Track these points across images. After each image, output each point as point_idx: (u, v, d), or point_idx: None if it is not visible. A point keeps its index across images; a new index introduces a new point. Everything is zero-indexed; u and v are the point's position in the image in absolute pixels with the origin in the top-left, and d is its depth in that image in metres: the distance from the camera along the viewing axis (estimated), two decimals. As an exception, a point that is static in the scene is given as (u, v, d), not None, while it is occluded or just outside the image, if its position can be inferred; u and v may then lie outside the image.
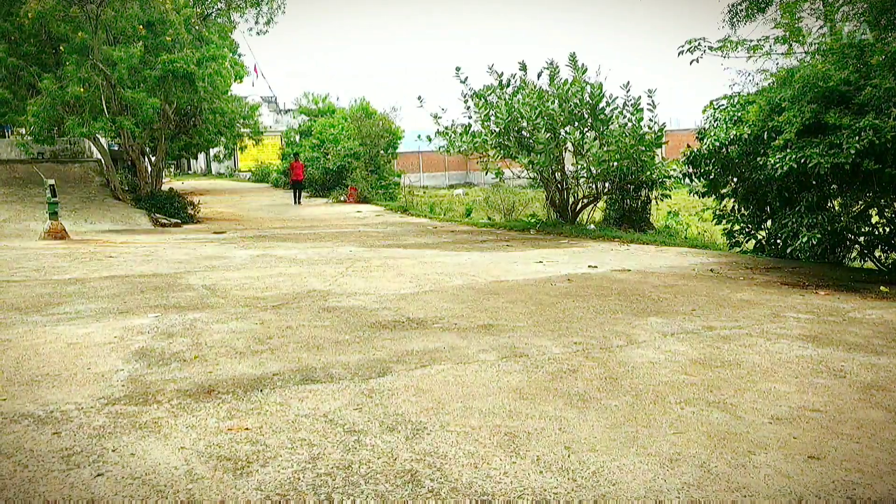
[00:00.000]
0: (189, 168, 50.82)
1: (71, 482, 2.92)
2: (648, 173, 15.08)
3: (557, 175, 16.37)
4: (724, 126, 10.03)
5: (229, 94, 23.21)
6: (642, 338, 5.53)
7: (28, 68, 18.17)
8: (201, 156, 44.09)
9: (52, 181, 14.56)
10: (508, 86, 16.06)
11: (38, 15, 16.66)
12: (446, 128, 16.64)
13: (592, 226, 15.89)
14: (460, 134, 16.39)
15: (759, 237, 11.31)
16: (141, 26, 17.77)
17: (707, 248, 12.55)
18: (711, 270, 9.42)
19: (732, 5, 12.55)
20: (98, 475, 2.99)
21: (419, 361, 4.76)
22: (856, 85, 8.56)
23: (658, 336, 5.59)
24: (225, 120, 23.18)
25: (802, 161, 8.52)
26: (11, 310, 6.45)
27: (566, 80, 15.43)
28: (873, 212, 9.79)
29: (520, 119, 15.21)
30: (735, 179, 10.85)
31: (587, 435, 3.50)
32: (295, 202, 26.75)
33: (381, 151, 30.22)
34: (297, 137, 38.68)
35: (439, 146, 17.33)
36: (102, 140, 20.98)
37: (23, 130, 21.09)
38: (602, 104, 15.22)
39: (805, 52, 9.66)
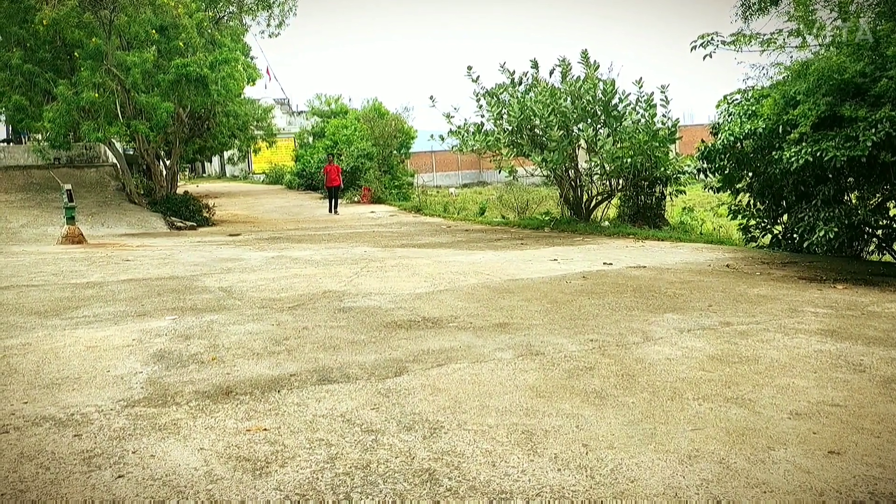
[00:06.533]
0: (203, 171, 51.07)
1: (92, 484, 2.95)
2: (662, 169, 15.03)
3: (571, 172, 16.33)
4: (739, 120, 9.96)
5: (242, 96, 23.33)
6: (659, 334, 5.50)
7: (43, 74, 18.34)
8: (215, 159, 44.29)
9: (68, 186, 14.68)
10: (521, 84, 16.05)
11: (53, 21, 16.81)
12: (459, 127, 16.64)
13: (607, 223, 15.85)
14: (473, 133, 16.39)
15: (776, 232, 11.24)
16: (154, 31, 17.89)
17: (722, 244, 12.49)
18: (727, 266, 9.36)
19: (745, -2, 12.46)
20: (119, 476, 3.01)
21: (435, 360, 4.76)
22: (871, 77, 8.48)
23: (674, 332, 5.56)
24: (238, 122, 23.31)
25: (818, 154, 8.45)
26: (31, 314, 6.52)
27: (578, 77, 15.40)
28: (891, 204, 9.71)
29: (532, 117, 15.19)
30: (750, 174, 10.78)
31: (605, 432, 3.49)
32: (331, 210, 23.73)
33: (394, 151, 30.29)
34: (311, 139, 38.80)
35: (452, 145, 17.35)
36: (117, 144, 21.16)
37: (39, 136, 21.31)
38: (615, 101, 15.18)
39: (819, 45, 9.57)
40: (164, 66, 18.17)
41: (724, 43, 10.18)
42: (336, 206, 23.97)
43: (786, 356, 4.86)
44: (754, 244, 11.64)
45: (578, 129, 15.37)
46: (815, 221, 9.26)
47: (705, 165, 10.92)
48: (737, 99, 10.68)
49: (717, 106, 11.05)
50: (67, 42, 18.08)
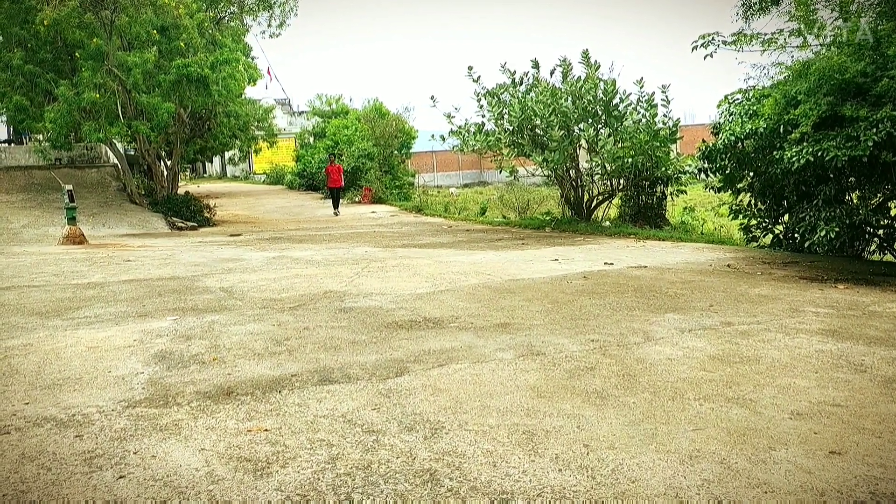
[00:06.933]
0: (204, 171, 51.12)
1: (93, 484, 2.95)
2: (663, 169, 15.01)
3: (572, 172, 16.33)
4: (740, 120, 9.96)
5: (243, 97, 23.32)
6: (660, 334, 5.50)
7: (45, 75, 18.35)
8: (216, 159, 44.33)
9: (69, 186, 14.70)
10: (521, 84, 16.04)
11: (54, 22, 16.81)
12: (459, 127, 16.64)
13: (608, 223, 15.84)
14: (473, 133, 16.39)
15: (777, 232, 11.23)
16: (155, 31, 17.90)
17: (724, 244, 12.48)
18: (728, 266, 9.36)
19: (746, -2, 12.42)
20: (120, 477, 3.01)
21: (436, 361, 4.76)
22: (872, 76, 8.47)
23: (675, 332, 5.56)
24: (239, 123, 23.31)
25: (819, 154, 8.44)
26: (32, 314, 6.52)
27: (579, 77, 15.40)
28: (892, 204, 9.69)
29: (533, 117, 15.19)
30: (751, 174, 10.77)
31: (606, 432, 3.49)
32: (335, 212, 23.18)
33: (395, 152, 30.30)
34: (311, 139, 38.81)
35: (453, 145, 17.35)
36: (119, 145, 21.16)
37: (40, 137, 21.31)
38: (616, 100, 15.17)
39: (820, 45, 9.56)
40: (165, 67, 18.18)
41: (725, 43, 10.17)
42: (336, 206, 23.61)
43: (787, 356, 4.86)
44: (755, 244, 11.63)
45: (579, 128, 15.36)
46: (816, 221, 9.25)
47: (706, 165, 10.92)
48: (738, 99, 10.67)
49: (718, 106, 11.05)
50: (68, 42, 18.10)
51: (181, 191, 23.20)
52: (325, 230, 17.26)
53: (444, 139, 17.42)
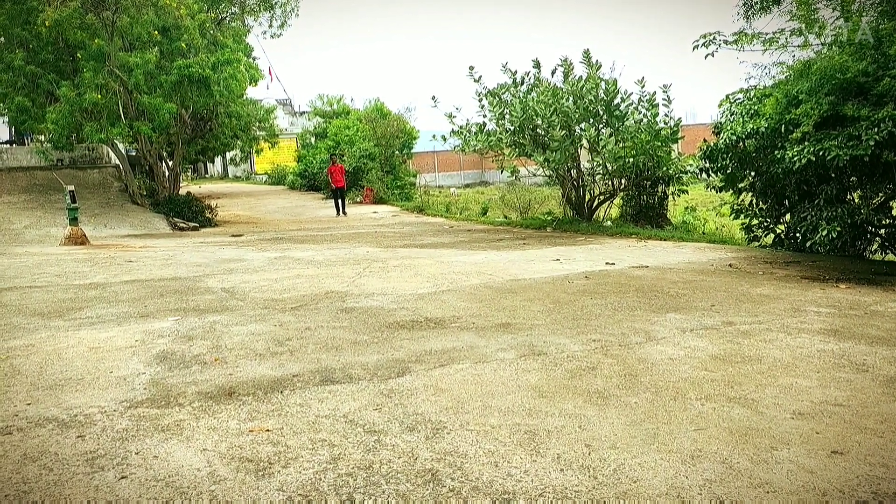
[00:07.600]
0: (206, 172, 51.09)
1: (95, 485, 2.95)
2: (665, 169, 15.00)
3: (573, 172, 16.32)
4: (741, 120, 9.95)
5: (244, 97, 23.31)
6: (661, 334, 5.50)
7: (46, 76, 18.37)
8: (218, 159, 44.32)
9: (71, 187, 14.72)
10: (522, 84, 16.04)
11: (55, 23, 16.82)
12: (461, 127, 16.64)
13: (609, 223, 15.83)
14: (475, 133, 16.39)
15: (778, 231, 11.22)
16: (156, 32, 17.91)
17: (725, 244, 12.47)
18: (730, 265, 9.36)
19: (747, -3, 12.39)
20: (122, 477, 3.02)
21: (438, 361, 4.76)
22: (874, 76, 8.47)
23: (677, 332, 5.56)
24: (241, 123, 23.30)
25: (821, 154, 8.43)
26: (34, 315, 6.53)
27: (580, 76, 15.40)
28: (894, 203, 9.69)
29: (534, 117, 15.18)
30: (753, 173, 10.76)
31: (607, 432, 3.49)
32: (338, 212, 22.98)
33: (396, 152, 30.30)
34: (313, 139, 38.81)
35: (454, 145, 17.35)
36: (120, 146, 21.16)
37: (42, 137, 21.30)
38: (617, 100, 15.16)
39: (821, 45, 9.55)
40: (167, 67, 18.20)
41: (726, 42, 10.16)
42: (343, 207, 23.29)
43: (789, 356, 4.86)
44: (757, 244, 11.62)
45: (580, 128, 15.35)
46: (817, 221, 9.25)
47: (708, 165, 10.92)
48: (739, 98, 10.67)
49: (720, 105, 11.04)
50: (70, 43, 18.10)
51: (183, 191, 23.21)
52: (327, 230, 17.26)
53: (445, 139, 17.41)
